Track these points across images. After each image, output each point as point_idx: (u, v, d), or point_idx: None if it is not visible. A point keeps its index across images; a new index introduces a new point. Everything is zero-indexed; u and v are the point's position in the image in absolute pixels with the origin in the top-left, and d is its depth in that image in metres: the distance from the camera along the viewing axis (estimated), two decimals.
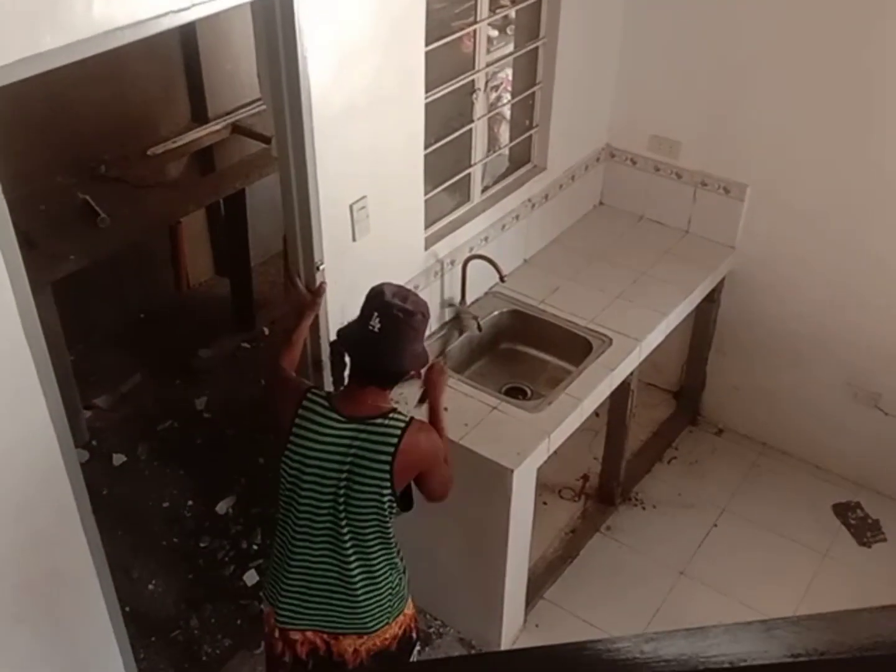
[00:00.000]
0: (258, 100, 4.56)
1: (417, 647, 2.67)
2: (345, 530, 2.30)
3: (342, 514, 2.28)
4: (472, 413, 2.95)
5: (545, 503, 3.65)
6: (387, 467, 2.24)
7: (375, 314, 2.21)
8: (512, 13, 3.33)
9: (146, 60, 4.17)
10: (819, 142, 3.38)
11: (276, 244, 5.08)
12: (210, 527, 3.67)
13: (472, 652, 3.24)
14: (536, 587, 3.39)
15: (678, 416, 4.18)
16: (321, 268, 2.71)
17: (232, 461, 3.96)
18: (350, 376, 2.36)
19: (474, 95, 3.17)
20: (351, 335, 2.29)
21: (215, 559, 3.55)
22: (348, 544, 2.31)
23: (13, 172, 1.94)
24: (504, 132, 3.71)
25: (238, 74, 4.54)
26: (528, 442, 2.86)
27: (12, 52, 1.73)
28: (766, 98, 3.42)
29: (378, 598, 2.39)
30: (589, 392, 3.06)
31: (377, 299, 2.24)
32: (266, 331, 4.73)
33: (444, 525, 3.10)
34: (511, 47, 3.45)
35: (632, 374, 3.33)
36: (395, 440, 2.24)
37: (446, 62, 3.02)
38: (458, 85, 3.07)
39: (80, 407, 3.96)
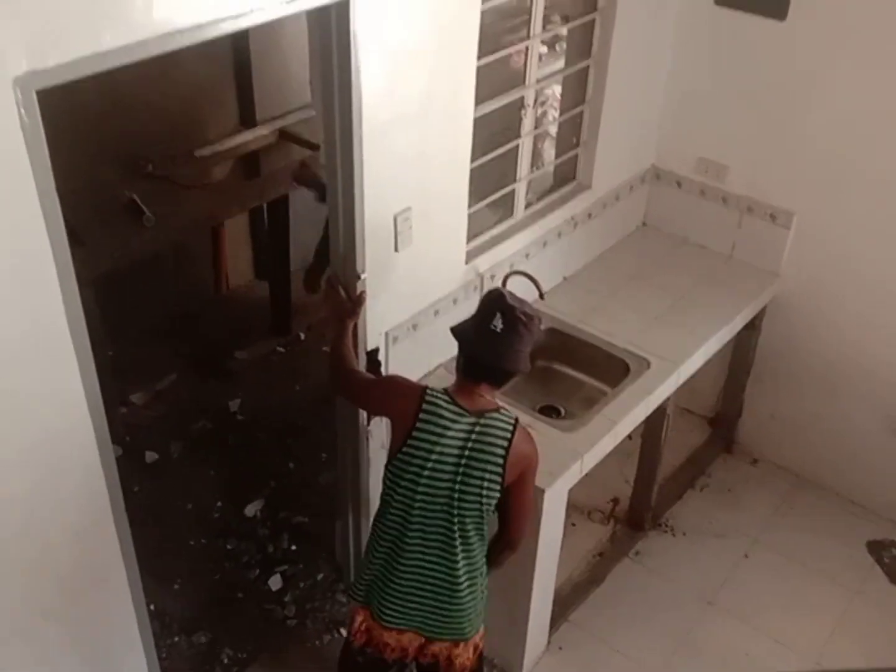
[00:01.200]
0: (306, 106, 4.58)
1: None
2: (455, 527, 2.33)
3: (455, 510, 2.31)
4: None
5: (574, 524, 3.61)
6: (501, 460, 2.28)
7: (499, 315, 2.28)
8: (563, 30, 3.32)
9: (198, 62, 4.21)
10: (868, 172, 3.33)
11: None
12: (237, 529, 3.68)
13: None
14: (562, 609, 3.35)
15: (713, 444, 4.13)
16: (363, 277, 2.71)
17: (262, 464, 3.97)
18: (464, 372, 2.39)
19: (523, 111, 3.16)
20: (470, 333, 2.35)
21: (241, 562, 3.55)
22: (457, 542, 2.34)
23: (63, 166, 1.95)
24: (549, 149, 3.70)
25: (287, 80, 4.56)
26: (561, 462, 2.84)
27: (73, 49, 1.75)
28: (818, 124, 3.38)
29: (474, 600, 2.44)
30: (624, 415, 3.03)
31: (500, 301, 2.32)
32: (302, 336, 4.75)
33: None
34: (560, 64, 3.43)
35: (668, 398, 3.29)
36: (509, 434, 2.30)
37: (496, 77, 3.02)
38: (507, 101, 3.06)
39: (117, 402, 3.98)
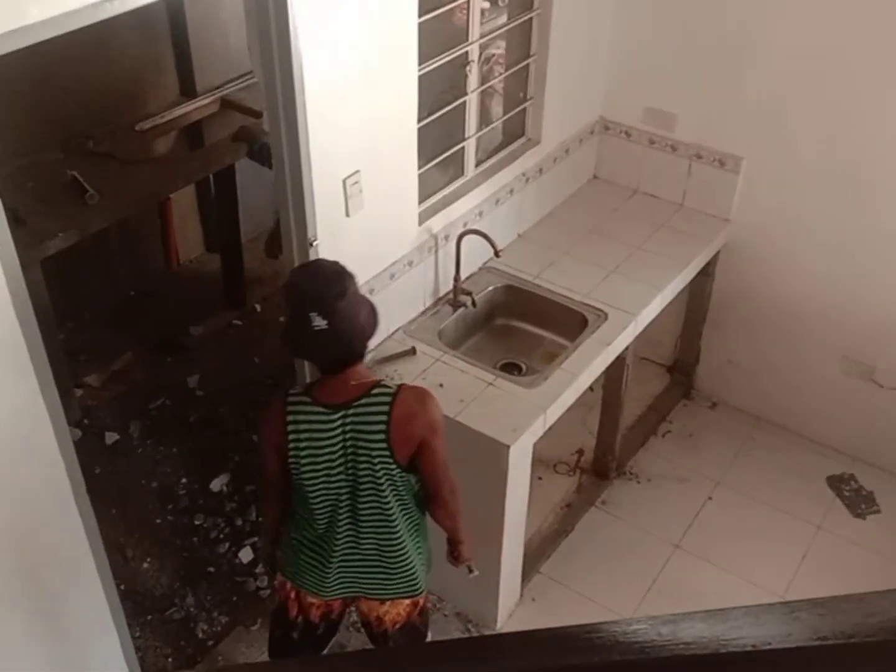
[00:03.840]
0: (247, 73, 4.50)
1: None
2: (374, 506, 2.30)
3: (366, 494, 2.28)
4: (467, 389, 2.94)
5: (540, 478, 3.65)
6: (384, 444, 2.23)
7: (313, 314, 2.09)
8: None
9: (134, 34, 4.11)
10: (815, 114, 3.36)
11: (266, 220, 5.04)
12: (204, 504, 3.66)
13: (469, 627, 3.24)
14: (532, 561, 3.40)
15: (672, 390, 4.18)
16: (314, 244, 2.68)
17: (225, 439, 3.94)
18: (321, 371, 2.30)
19: (468, 68, 3.13)
20: (302, 342, 2.18)
21: (210, 537, 3.54)
22: (383, 515, 2.32)
23: (0, 148, 1.90)
24: (497, 106, 3.67)
25: (227, 48, 4.47)
26: (524, 417, 2.85)
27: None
28: (762, 70, 3.39)
29: (421, 556, 2.48)
30: (584, 367, 3.05)
31: (306, 298, 2.12)
32: (258, 307, 4.70)
33: None
34: (504, 19, 3.40)
35: (627, 348, 3.32)
36: (384, 415, 2.22)
37: (439, 34, 2.98)
38: (451, 57, 3.02)
39: (72, 385, 3.93)
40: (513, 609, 3.31)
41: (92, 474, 3.66)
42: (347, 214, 2.76)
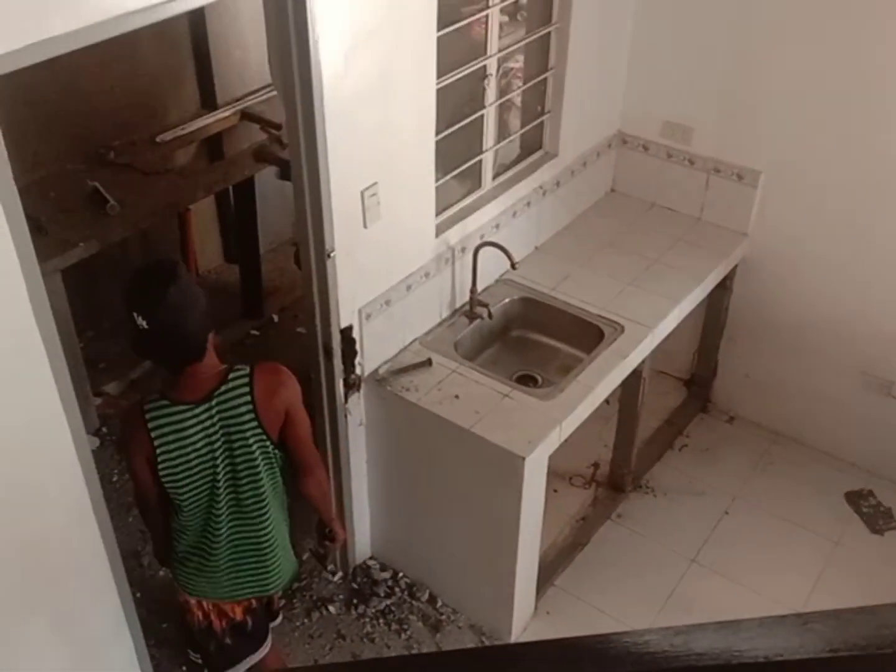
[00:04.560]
0: (267, 86, 4.53)
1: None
2: (250, 496, 2.34)
3: (242, 484, 2.32)
4: (482, 400, 2.94)
5: (555, 490, 3.64)
6: (255, 423, 2.27)
7: (135, 314, 2.08)
8: None
9: (155, 47, 4.16)
10: (834, 129, 3.35)
11: (285, 232, 5.08)
12: None
13: (483, 640, 3.23)
14: (547, 574, 3.39)
15: (689, 404, 4.17)
16: (332, 255, 2.70)
17: None
18: (171, 372, 2.27)
19: (486, 81, 3.14)
20: (135, 343, 2.15)
21: None
22: (256, 507, 2.36)
23: (22, 158, 1.93)
24: (514, 119, 3.68)
25: (247, 61, 4.52)
26: (540, 430, 2.85)
27: (22, 36, 1.72)
28: (781, 84, 3.39)
29: (284, 542, 2.52)
30: (601, 380, 3.04)
31: (129, 298, 2.10)
32: (275, 318, 4.72)
33: (455, 512, 3.10)
34: (523, 33, 3.41)
35: (643, 361, 3.31)
36: (248, 396, 2.26)
37: (458, 48, 3.00)
38: (469, 70, 3.04)
39: (90, 394, 3.95)
40: (527, 622, 3.30)
41: (109, 482, 3.69)
42: (365, 226, 2.78)
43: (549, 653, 0.75)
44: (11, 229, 1.84)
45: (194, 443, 2.26)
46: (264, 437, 2.29)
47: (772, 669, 0.60)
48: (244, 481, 2.32)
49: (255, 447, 2.29)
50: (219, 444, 2.27)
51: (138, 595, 3.02)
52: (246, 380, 2.27)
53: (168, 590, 3.37)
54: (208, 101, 4.44)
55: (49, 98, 3.76)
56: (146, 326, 2.09)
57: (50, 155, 3.87)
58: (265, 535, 2.42)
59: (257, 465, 2.31)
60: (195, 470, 2.28)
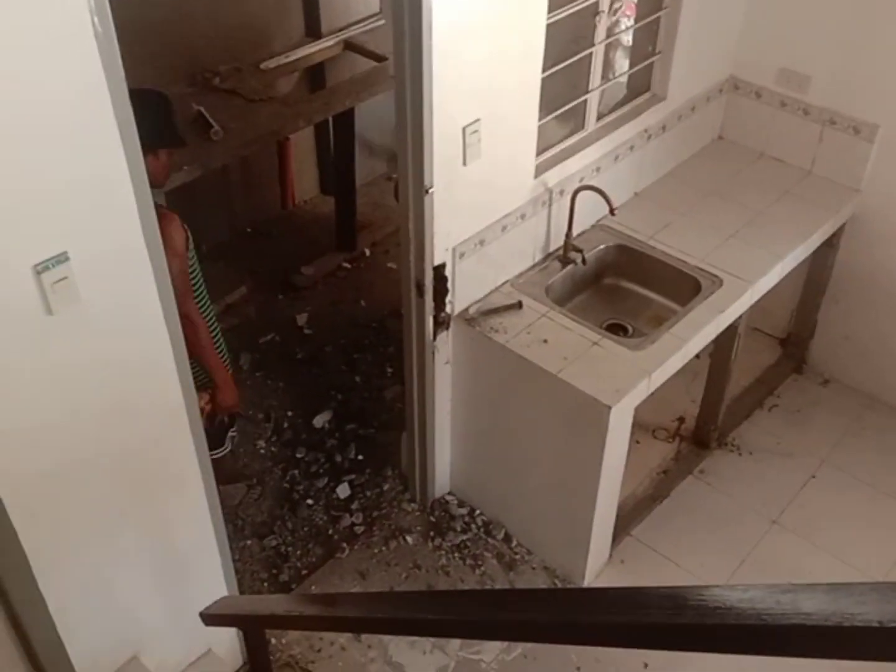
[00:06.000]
0: (371, 16, 4.50)
1: None
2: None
3: None
4: (571, 347, 2.92)
5: (638, 442, 3.61)
6: None
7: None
8: None
9: None
10: None
11: (380, 165, 5.08)
12: (307, 439, 3.77)
13: (556, 582, 3.27)
14: (624, 524, 3.38)
15: (783, 364, 4.06)
16: (430, 191, 2.69)
17: (329, 377, 4.04)
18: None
19: (597, 18, 3.05)
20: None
21: (310, 471, 3.65)
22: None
23: (132, 79, 1.95)
24: (621, 59, 3.57)
25: None
26: (628, 380, 2.82)
27: None
28: None
29: None
30: (694, 333, 2.99)
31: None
32: (367, 252, 4.76)
33: (536, 456, 3.11)
34: None
35: (740, 317, 3.23)
36: None
37: None
38: (582, 6, 2.95)
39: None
40: (601, 568, 3.31)
41: None
42: (465, 163, 2.75)
43: (649, 598, 0.74)
44: (126, 149, 1.88)
45: None
46: None
47: (883, 635, 0.58)
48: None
49: None
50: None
51: (226, 510, 3.13)
52: None
53: (251, 507, 3.50)
54: (313, 30, 4.44)
55: (156, 21, 3.80)
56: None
57: (157, 78, 3.92)
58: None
59: None
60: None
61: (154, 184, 2.35)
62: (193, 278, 2.74)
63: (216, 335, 2.89)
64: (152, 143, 2.38)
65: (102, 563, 2.36)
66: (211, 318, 2.85)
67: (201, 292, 2.80)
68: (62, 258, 1.87)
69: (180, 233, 2.59)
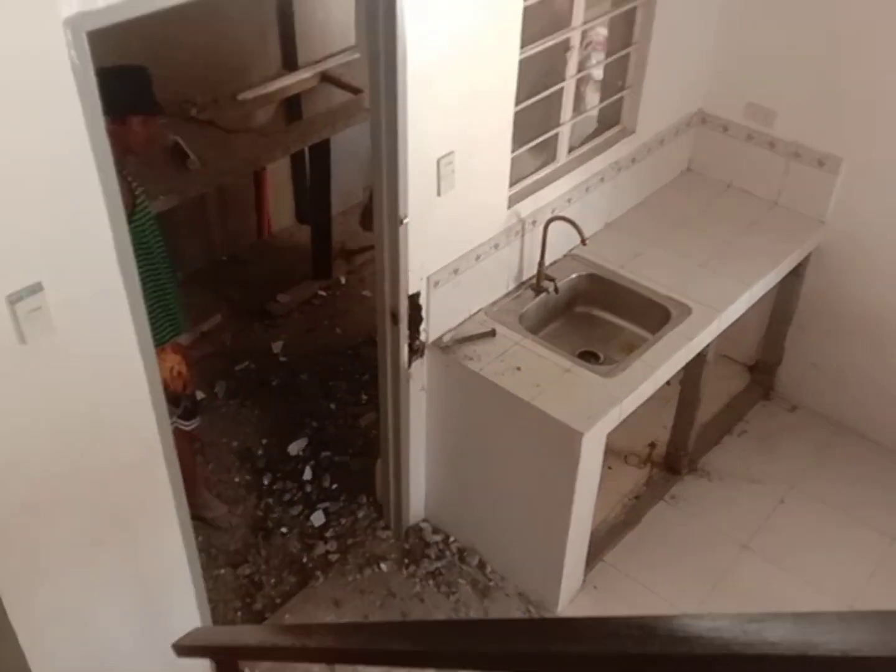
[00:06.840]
0: (347, 49, 4.56)
1: None
2: None
3: None
4: (544, 374, 2.96)
5: (610, 467, 3.64)
6: None
7: None
8: None
9: (241, 5, 4.21)
10: None
11: (356, 195, 5.11)
12: (281, 467, 3.77)
13: (530, 609, 3.28)
14: (597, 549, 3.41)
15: (751, 390, 4.13)
16: (405, 221, 2.73)
17: (304, 405, 4.05)
18: None
19: (568, 53, 3.12)
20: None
21: (283, 499, 3.64)
22: None
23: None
24: (592, 92, 3.65)
25: (329, 23, 4.55)
26: (600, 406, 2.86)
27: None
28: (870, 71, 3.30)
29: None
30: (664, 361, 3.04)
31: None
32: (343, 280, 4.79)
33: (510, 482, 3.13)
34: (607, 5, 3.37)
35: (709, 345, 3.29)
36: None
37: (541, 18, 2.98)
38: (553, 42, 3.02)
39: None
40: (575, 594, 3.33)
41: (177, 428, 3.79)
42: (439, 194, 2.80)
43: (617, 628, 0.77)
44: (101, 178, 1.91)
45: None
46: None
47: (848, 666, 0.60)
48: None
49: None
50: None
51: (200, 539, 3.13)
52: None
53: (225, 535, 3.49)
54: (290, 62, 4.49)
55: (135, 52, 3.83)
56: None
57: None
58: None
59: None
60: None
61: (132, 151, 2.60)
62: (144, 238, 2.80)
63: (170, 289, 3.01)
64: (128, 110, 2.50)
65: (75, 594, 2.35)
66: (161, 282, 2.94)
67: (153, 253, 2.90)
68: (36, 288, 1.89)
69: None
